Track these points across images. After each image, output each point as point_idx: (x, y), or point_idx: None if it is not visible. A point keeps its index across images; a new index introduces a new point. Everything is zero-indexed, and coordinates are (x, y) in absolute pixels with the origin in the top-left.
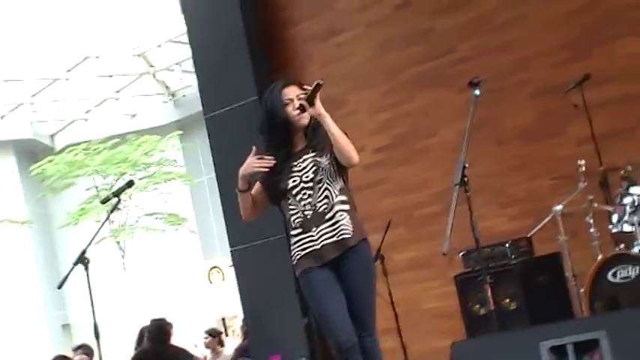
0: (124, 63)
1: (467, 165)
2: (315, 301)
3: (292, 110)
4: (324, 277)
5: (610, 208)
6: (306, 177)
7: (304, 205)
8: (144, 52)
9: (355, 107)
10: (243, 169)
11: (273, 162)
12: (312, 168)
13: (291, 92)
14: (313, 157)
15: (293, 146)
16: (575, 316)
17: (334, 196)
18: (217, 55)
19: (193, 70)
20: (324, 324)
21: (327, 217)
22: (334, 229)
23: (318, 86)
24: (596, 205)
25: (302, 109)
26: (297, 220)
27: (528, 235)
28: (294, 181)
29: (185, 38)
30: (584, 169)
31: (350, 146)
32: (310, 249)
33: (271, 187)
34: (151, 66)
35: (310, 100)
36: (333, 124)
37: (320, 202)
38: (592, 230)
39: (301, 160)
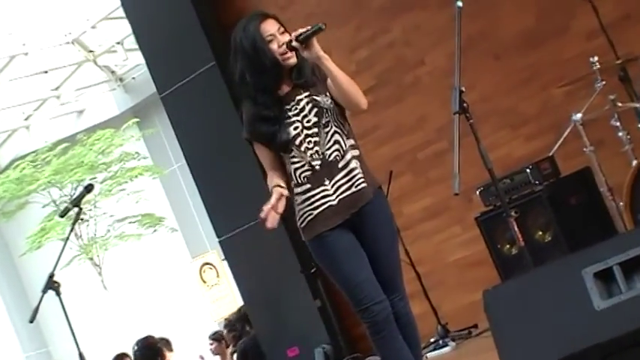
0: (57, 54)
1: (464, 89)
2: (337, 270)
3: (277, 48)
4: (344, 240)
5: (637, 105)
6: (308, 121)
7: (311, 155)
8: (78, 37)
9: (327, 50)
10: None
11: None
12: (312, 110)
13: (271, 27)
14: (308, 96)
15: (279, 89)
16: (618, 233)
17: (344, 140)
18: (160, 23)
19: (137, 46)
20: (351, 295)
21: (341, 165)
22: (350, 179)
23: (319, 30)
24: (620, 104)
25: (291, 48)
26: (303, 175)
27: (550, 154)
28: (295, 128)
29: (121, 12)
30: (598, 66)
31: (355, 88)
32: (326, 205)
33: (272, 142)
34: (90, 51)
35: (305, 41)
36: (334, 66)
37: (330, 149)
38: (620, 134)
39: (294, 102)
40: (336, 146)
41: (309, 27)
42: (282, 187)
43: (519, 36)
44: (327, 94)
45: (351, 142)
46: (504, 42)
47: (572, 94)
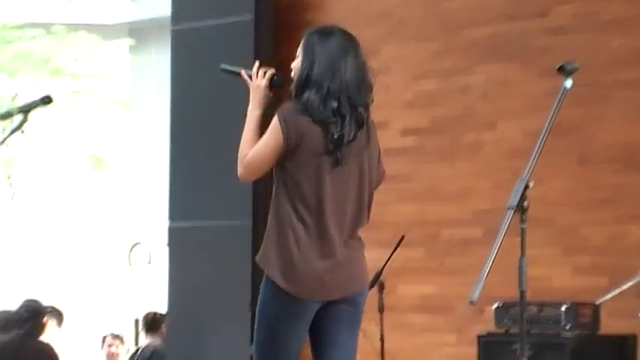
0: None
1: (531, 184)
2: None
3: None
4: None
5: None
6: None
7: None
8: None
9: (388, 64)
10: None
11: None
12: None
13: None
14: None
15: None
16: None
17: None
18: None
19: None
20: None
21: None
22: None
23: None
24: None
25: None
26: None
27: (596, 302)
28: None
29: None
30: None
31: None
32: None
33: None
34: None
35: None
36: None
37: None
38: None
39: None
40: None
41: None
42: None
43: (619, 148)
44: None
45: (272, 208)
46: (598, 147)
47: None
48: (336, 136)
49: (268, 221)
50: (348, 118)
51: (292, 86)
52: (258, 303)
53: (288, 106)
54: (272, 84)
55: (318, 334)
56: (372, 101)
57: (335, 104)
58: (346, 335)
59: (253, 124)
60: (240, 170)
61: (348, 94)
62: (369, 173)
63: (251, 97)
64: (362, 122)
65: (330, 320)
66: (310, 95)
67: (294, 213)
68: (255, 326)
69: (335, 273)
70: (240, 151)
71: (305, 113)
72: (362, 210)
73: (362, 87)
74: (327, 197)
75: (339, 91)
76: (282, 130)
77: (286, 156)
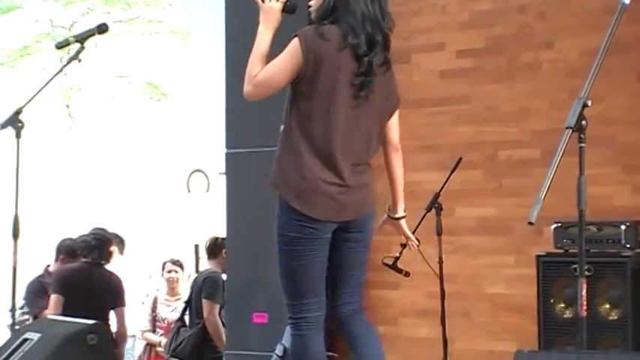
0: None
1: (589, 103)
2: None
3: None
4: None
5: None
6: None
7: None
8: None
9: None
10: None
11: None
12: None
13: None
14: None
15: None
16: None
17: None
18: None
19: None
20: None
21: None
22: None
23: None
24: None
25: None
26: None
27: None
28: None
29: None
30: None
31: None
32: None
33: None
34: None
35: None
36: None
37: None
38: None
39: None
40: None
41: None
42: None
43: None
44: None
45: (282, 128)
46: None
47: None
48: (365, 63)
49: (279, 145)
50: (379, 43)
51: (315, 13)
52: (276, 228)
53: (309, 29)
54: (284, 9)
55: (330, 260)
56: (394, 27)
57: (367, 30)
58: (356, 260)
59: (264, 45)
60: (248, 88)
61: (377, 19)
62: (384, 101)
63: (261, 19)
64: (388, 47)
65: (340, 246)
66: (339, 23)
67: (305, 138)
68: (277, 252)
69: (346, 195)
70: (248, 69)
71: (328, 39)
72: (373, 138)
73: (385, 12)
74: (339, 124)
75: (369, 18)
76: (302, 53)
77: (303, 80)
